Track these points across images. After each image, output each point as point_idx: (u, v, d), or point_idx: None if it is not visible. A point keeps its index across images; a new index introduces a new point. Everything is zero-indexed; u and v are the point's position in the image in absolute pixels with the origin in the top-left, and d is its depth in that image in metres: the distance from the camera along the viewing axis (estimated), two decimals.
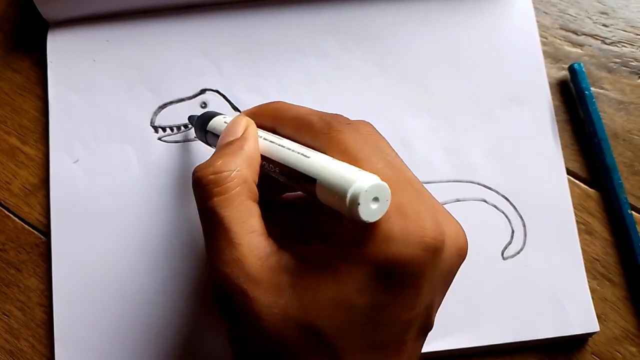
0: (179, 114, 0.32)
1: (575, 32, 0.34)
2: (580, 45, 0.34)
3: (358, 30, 0.33)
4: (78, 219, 0.31)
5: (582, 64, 0.32)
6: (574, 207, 0.31)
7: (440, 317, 0.29)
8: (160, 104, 0.32)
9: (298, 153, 0.21)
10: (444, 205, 0.30)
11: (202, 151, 0.32)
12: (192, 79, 0.33)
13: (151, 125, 0.32)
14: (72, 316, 0.29)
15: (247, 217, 0.21)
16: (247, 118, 0.25)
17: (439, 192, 0.31)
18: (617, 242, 0.31)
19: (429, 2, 0.33)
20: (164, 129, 0.32)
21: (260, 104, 0.26)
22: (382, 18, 0.33)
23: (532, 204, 0.30)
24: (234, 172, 0.21)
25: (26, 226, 0.31)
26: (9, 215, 0.32)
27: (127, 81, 0.33)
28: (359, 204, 0.18)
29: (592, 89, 0.32)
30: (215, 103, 0.32)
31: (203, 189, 0.21)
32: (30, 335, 0.30)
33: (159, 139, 0.32)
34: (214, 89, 0.33)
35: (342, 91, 0.32)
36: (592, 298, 0.29)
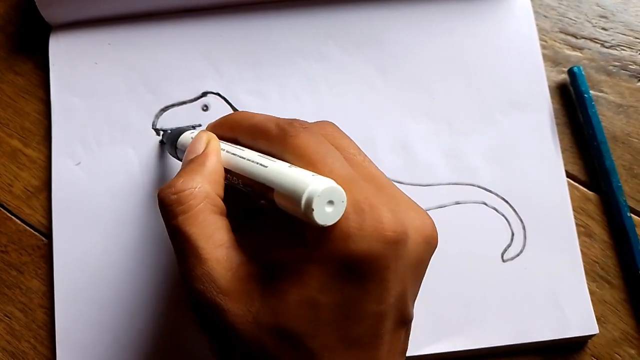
0: (181, 117, 0.32)
1: (574, 36, 0.34)
2: (580, 49, 0.34)
3: (359, 34, 0.33)
4: (80, 221, 0.31)
5: (581, 68, 0.32)
6: (574, 210, 0.31)
7: (440, 319, 0.29)
8: (162, 106, 0.33)
9: (256, 163, 0.22)
10: (444, 208, 0.31)
11: None
12: (194, 82, 0.33)
13: (153, 128, 0.32)
14: (74, 318, 0.30)
15: (212, 232, 0.21)
16: (209, 133, 0.25)
17: (439, 195, 0.31)
18: (616, 244, 0.31)
19: (430, 7, 0.34)
20: (165, 132, 0.32)
21: (224, 115, 0.26)
22: (382, 22, 0.33)
23: (532, 207, 0.31)
24: (196, 190, 0.22)
25: (28, 228, 0.32)
26: (10, 217, 0.32)
27: (128, 84, 0.33)
28: (312, 209, 0.19)
29: (591, 92, 0.32)
30: (216, 106, 0.33)
31: (166, 209, 0.22)
32: (31, 336, 0.30)
33: (161, 141, 0.32)
34: (215, 91, 0.33)
35: (343, 95, 0.33)
36: (592, 300, 0.29)
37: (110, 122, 0.32)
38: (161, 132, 0.32)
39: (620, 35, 0.34)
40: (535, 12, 0.34)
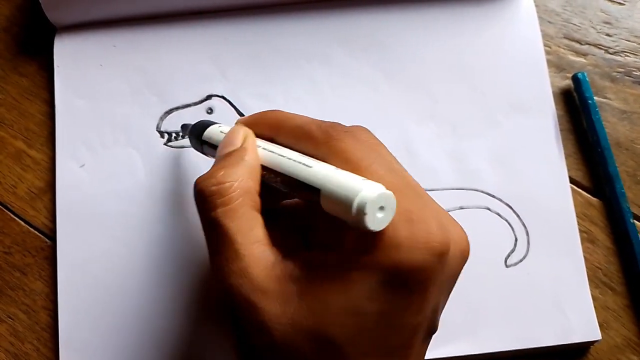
0: (185, 120, 0.32)
1: (579, 42, 0.34)
2: (584, 55, 0.34)
3: (363, 37, 0.33)
4: (84, 223, 0.31)
5: (585, 73, 0.32)
6: (577, 216, 0.31)
7: (443, 324, 0.29)
8: (167, 109, 0.33)
9: (300, 163, 0.21)
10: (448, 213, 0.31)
11: (208, 157, 0.32)
12: (198, 85, 0.33)
13: (157, 131, 0.32)
14: (77, 320, 0.30)
15: (251, 228, 0.21)
16: (245, 128, 0.25)
17: (442, 200, 0.30)
18: (619, 250, 0.31)
19: (435, 11, 0.34)
20: (170, 134, 0.32)
21: (257, 112, 0.26)
22: (387, 26, 0.34)
23: (536, 212, 0.31)
24: (237, 183, 0.21)
25: (32, 230, 0.32)
26: (14, 219, 0.32)
27: (133, 86, 0.33)
28: (365, 213, 0.18)
29: (595, 98, 0.32)
30: (221, 109, 0.33)
31: (206, 200, 0.21)
32: (35, 338, 0.30)
33: (165, 144, 0.32)
34: (220, 94, 0.33)
35: (347, 98, 0.33)
36: (594, 306, 0.29)
37: (115, 124, 0.32)
38: (182, 125, 0.31)
39: (625, 41, 0.34)
40: (540, 17, 0.34)
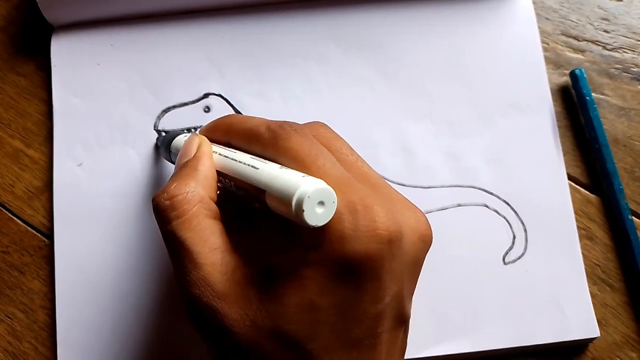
0: (183, 118, 0.32)
1: (576, 38, 0.34)
2: (582, 51, 0.34)
3: (360, 36, 0.33)
4: (81, 222, 0.31)
5: (583, 70, 0.32)
6: (575, 213, 0.31)
7: (440, 322, 0.29)
8: (164, 107, 0.33)
9: (248, 165, 0.22)
10: (445, 210, 0.31)
11: None
12: (195, 84, 0.33)
13: (155, 129, 0.32)
14: (75, 319, 0.30)
15: (207, 236, 0.21)
16: (200, 136, 0.25)
17: (440, 197, 0.31)
18: (617, 247, 0.31)
19: (431, 10, 0.34)
20: (160, 135, 0.32)
21: (217, 118, 0.26)
22: (384, 25, 0.33)
23: (534, 210, 0.31)
24: (189, 194, 0.22)
25: (29, 229, 0.32)
26: (12, 218, 0.32)
27: (130, 85, 0.33)
28: (303, 209, 0.19)
29: (593, 94, 0.32)
30: (218, 107, 0.33)
31: (161, 214, 0.22)
32: (32, 337, 0.30)
33: (156, 145, 0.32)
34: (217, 93, 0.33)
35: (344, 96, 0.33)
36: (593, 303, 0.29)
37: (112, 123, 0.32)
38: (156, 137, 0.32)
39: (622, 37, 0.34)
40: (537, 14, 0.34)
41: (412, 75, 0.33)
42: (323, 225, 0.19)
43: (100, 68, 0.33)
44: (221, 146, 0.25)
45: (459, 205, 0.31)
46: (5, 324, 0.30)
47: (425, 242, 0.22)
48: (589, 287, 0.30)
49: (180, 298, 0.22)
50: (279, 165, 0.21)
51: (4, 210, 0.32)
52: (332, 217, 0.19)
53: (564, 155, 0.32)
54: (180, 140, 0.27)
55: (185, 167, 0.23)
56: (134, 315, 0.30)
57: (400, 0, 0.34)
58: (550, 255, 0.30)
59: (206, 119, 0.32)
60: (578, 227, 0.31)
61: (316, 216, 0.19)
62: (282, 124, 0.23)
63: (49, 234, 0.31)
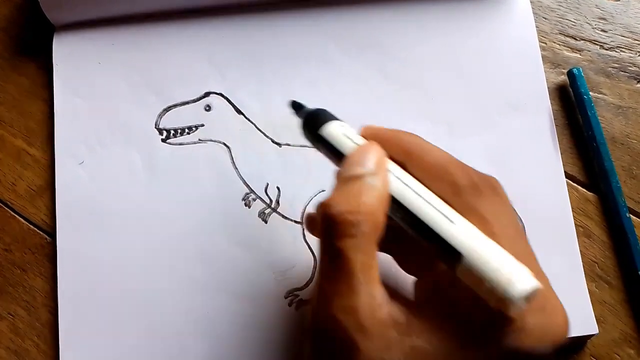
0: (183, 117, 0.33)
1: (574, 38, 0.34)
2: (579, 51, 0.34)
3: (360, 36, 0.34)
4: (83, 221, 0.31)
5: (581, 69, 0.33)
6: (573, 211, 0.31)
7: None
8: (165, 106, 0.33)
9: (441, 213, 0.19)
10: None
11: (208, 153, 0.32)
12: (196, 83, 0.33)
13: (156, 128, 0.32)
14: (77, 316, 0.30)
15: (372, 265, 0.20)
16: (378, 148, 0.22)
17: None
18: (615, 245, 0.31)
19: (430, 10, 0.34)
20: (168, 131, 0.32)
21: (392, 128, 0.24)
22: (383, 25, 0.34)
23: (532, 209, 0.31)
24: (370, 215, 0.20)
25: (31, 227, 0.32)
26: (14, 216, 0.32)
27: (131, 84, 0.33)
28: (512, 304, 0.17)
29: (590, 93, 0.32)
30: (219, 106, 0.33)
31: (336, 227, 0.20)
32: (35, 335, 0.30)
33: (163, 141, 0.32)
34: (218, 92, 0.33)
35: (344, 96, 0.33)
36: (591, 301, 0.30)
37: (113, 121, 0.33)
38: (294, 107, 0.26)
39: (620, 37, 0.34)
40: (535, 14, 0.34)
41: (412, 76, 0.33)
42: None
43: (102, 67, 0.33)
44: (396, 166, 0.22)
45: None
46: (8, 321, 0.31)
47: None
48: (587, 284, 0.30)
49: (315, 310, 0.20)
50: (477, 230, 0.19)
51: (6, 208, 0.32)
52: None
53: (562, 153, 0.32)
54: (335, 130, 0.23)
55: (365, 181, 0.20)
56: (135, 313, 0.30)
57: (399, 1, 0.34)
58: (549, 254, 0.30)
59: (207, 118, 0.32)
60: (576, 225, 0.31)
61: (517, 308, 0.18)
62: (486, 178, 0.21)
63: (51, 232, 0.31)
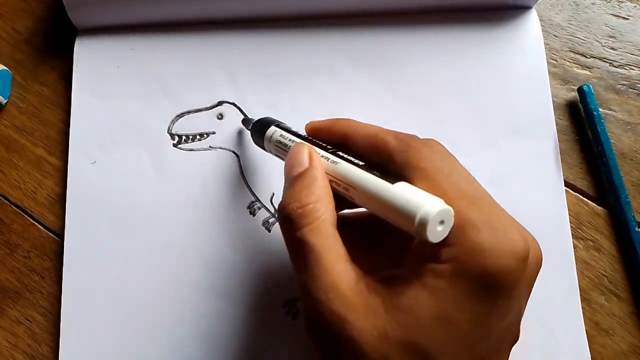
0: (196, 124, 0.33)
1: (584, 55, 0.35)
2: (589, 68, 0.35)
3: (371, 54, 0.34)
4: (90, 218, 0.32)
5: (590, 86, 0.33)
6: (583, 224, 0.31)
7: None
8: (178, 112, 0.33)
9: (374, 174, 0.22)
10: None
11: (218, 160, 0.33)
12: (210, 91, 0.34)
13: (168, 133, 0.33)
14: (77, 316, 0.30)
15: (334, 244, 0.22)
16: (308, 145, 0.25)
17: None
18: (624, 258, 0.31)
19: (441, 32, 0.34)
20: (180, 137, 0.33)
21: (330, 118, 0.27)
22: (394, 43, 0.34)
23: (531, 233, 0.31)
24: (317, 203, 0.22)
25: (50, 234, 0.32)
26: (34, 224, 0.33)
27: (147, 89, 0.34)
28: (427, 229, 0.19)
29: (600, 110, 0.33)
30: (231, 115, 0.33)
31: (294, 221, 0.22)
32: (52, 340, 0.31)
33: (175, 146, 0.33)
34: (231, 102, 0.34)
35: (352, 111, 0.33)
36: (600, 313, 0.30)
37: (127, 123, 0.33)
38: (243, 119, 0.33)
39: (629, 54, 0.35)
40: (546, 31, 0.35)
41: (420, 95, 0.33)
42: (457, 239, 0.20)
43: (120, 70, 0.34)
44: (324, 150, 0.25)
45: None
46: (25, 326, 0.31)
47: (539, 264, 0.22)
48: (596, 296, 0.30)
49: (302, 304, 0.22)
50: (403, 183, 0.21)
51: (26, 216, 0.33)
52: (470, 232, 0.20)
53: (572, 168, 0.32)
54: (275, 133, 0.28)
55: (306, 177, 0.23)
56: (135, 314, 0.30)
57: (411, 22, 0.34)
58: (546, 280, 0.29)
59: (219, 126, 0.33)
60: (586, 238, 0.31)
61: (436, 234, 0.20)
62: (412, 136, 0.23)
63: None
